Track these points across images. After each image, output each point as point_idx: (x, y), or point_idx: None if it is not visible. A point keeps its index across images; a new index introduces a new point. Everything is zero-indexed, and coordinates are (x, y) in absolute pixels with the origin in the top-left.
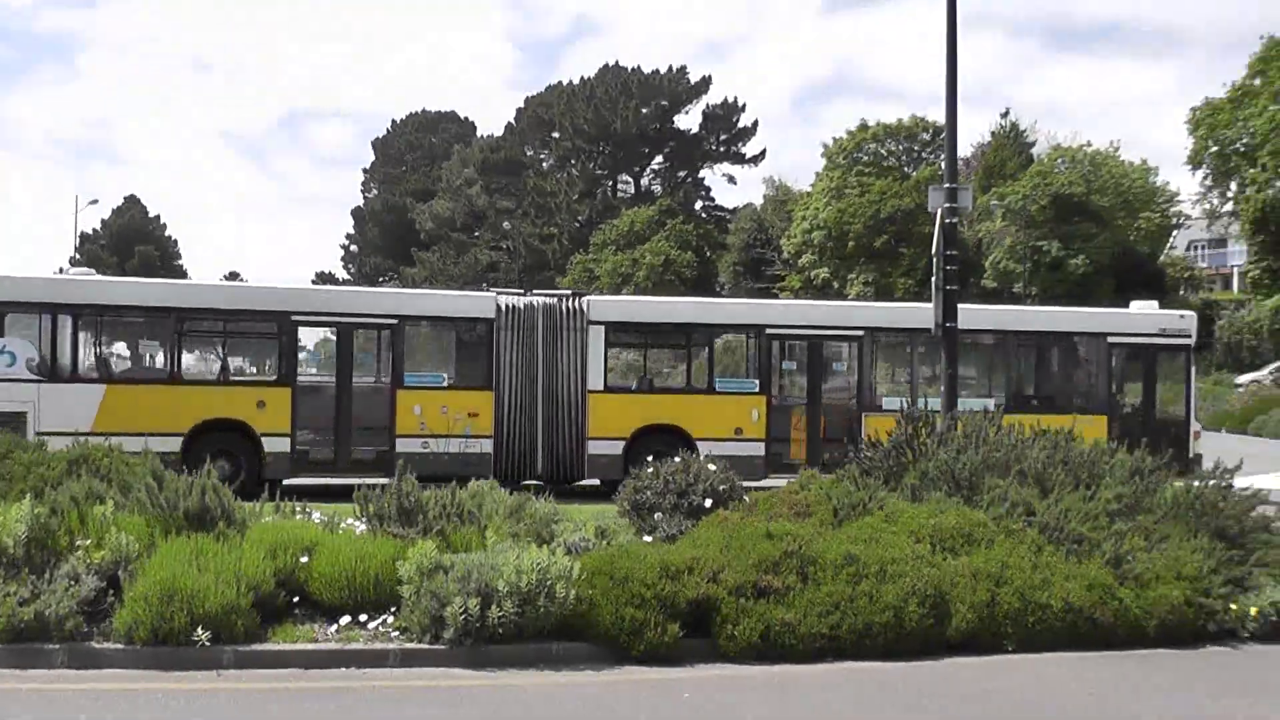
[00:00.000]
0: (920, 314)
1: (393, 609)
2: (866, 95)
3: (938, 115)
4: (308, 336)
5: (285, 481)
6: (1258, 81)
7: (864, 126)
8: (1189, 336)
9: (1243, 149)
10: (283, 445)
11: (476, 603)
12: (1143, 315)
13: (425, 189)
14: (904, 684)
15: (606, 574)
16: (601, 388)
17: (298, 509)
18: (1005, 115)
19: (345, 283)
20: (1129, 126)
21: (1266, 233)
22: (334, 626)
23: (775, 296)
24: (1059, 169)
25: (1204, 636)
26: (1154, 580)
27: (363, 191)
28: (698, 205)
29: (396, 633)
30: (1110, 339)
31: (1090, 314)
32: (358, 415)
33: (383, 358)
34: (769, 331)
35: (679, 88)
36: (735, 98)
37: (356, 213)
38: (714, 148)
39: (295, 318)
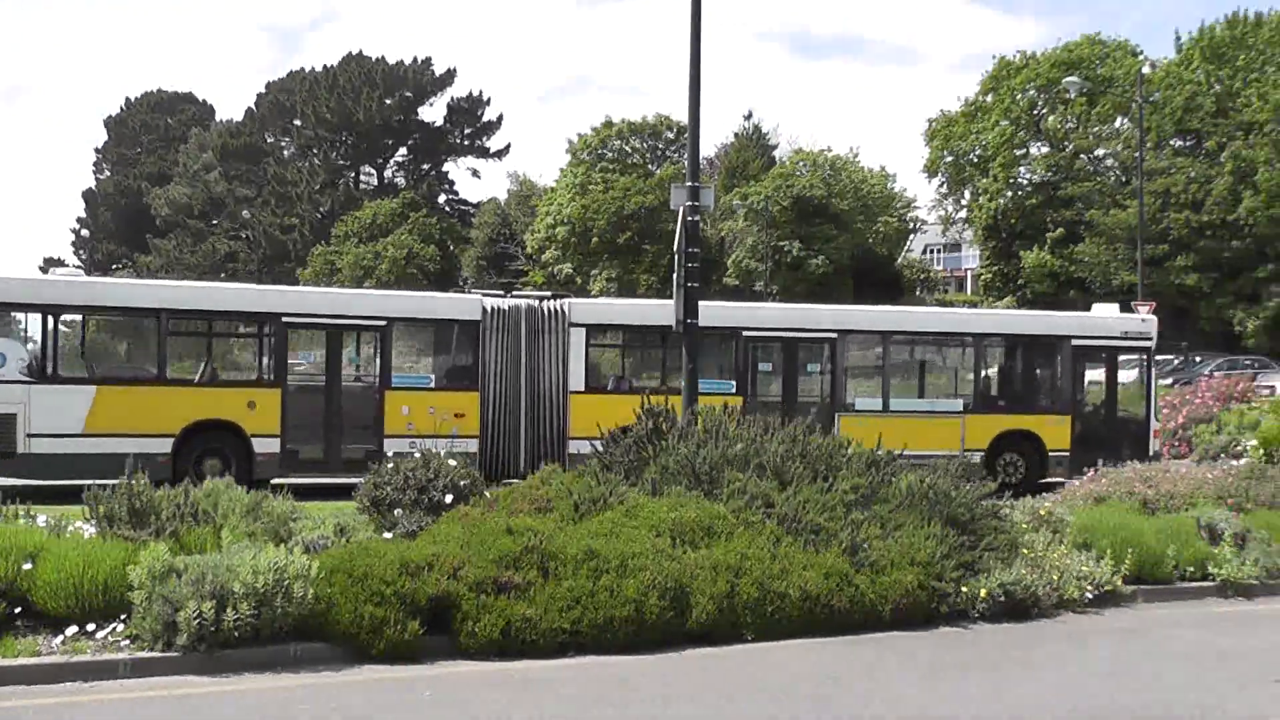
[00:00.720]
0: (891, 317)
1: (123, 616)
2: (612, 91)
3: (682, 114)
4: (298, 337)
5: (274, 481)
6: (989, 98)
7: (609, 123)
8: (1150, 339)
9: (975, 160)
10: (273, 445)
11: (211, 606)
12: (1105, 319)
13: (161, 173)
14: (643, 676)
15: (345, 572)
16: (582, 388)
17: (20, 512)
18: (748, 118)
19: (77, 270)
20: (868, 134)
21: (997, 239)
22: (59, 638)
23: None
24: (800, 172)
25: (937, 618)
26: (889, 566)
27: (94, 172)
28: (441, 199)
29: (127, 641)
30: (1074, 341)
31: (1055, 317)
32: (347, 415)
33: (371, 359)
34: (745, 333)
35: (423, 79)
36: (480, 91)
37: (89, 195)
38: (458, 141)
39: (285, 319)
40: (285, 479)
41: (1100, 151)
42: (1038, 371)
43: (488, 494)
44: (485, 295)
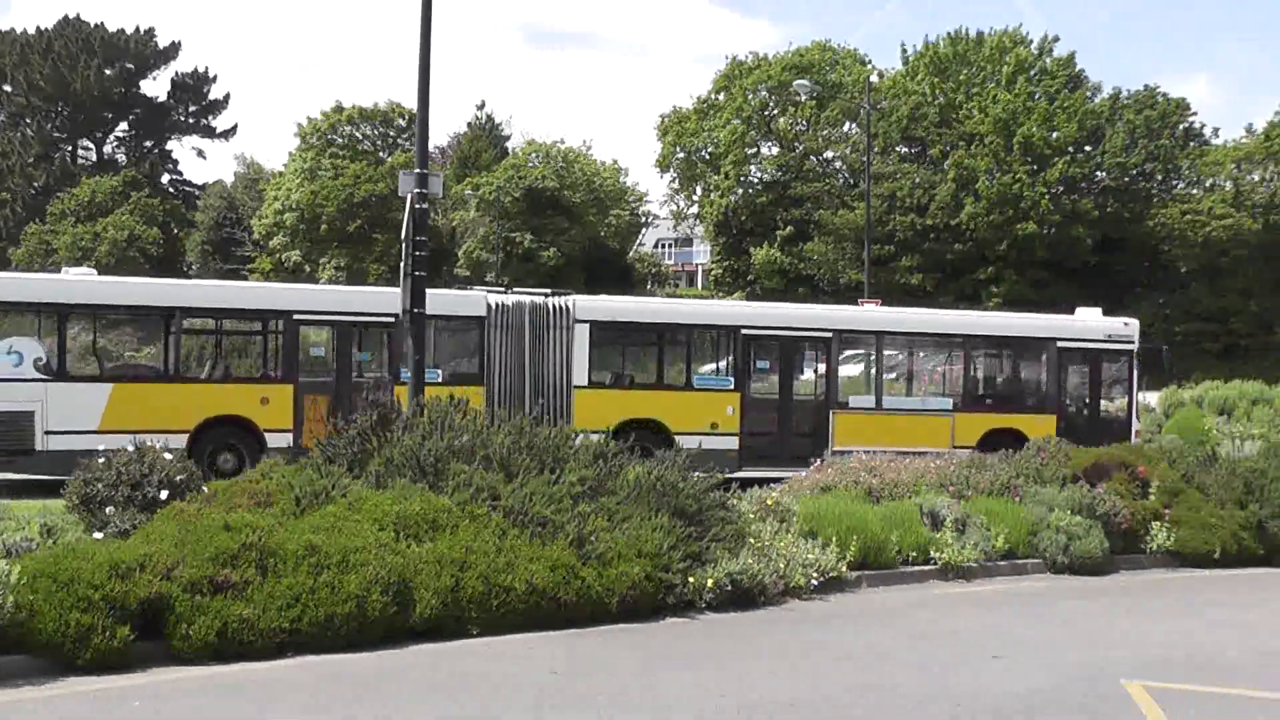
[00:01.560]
0: (884, 317)
1: None
2: (344, 75)
3: (415, 102)
4: (309, 334)
5: None
6: (722, 97)
7: (339, 108)
8: (1132, 342)
9: (707, 157)
10: (285, 440)
11: None
12: (1090, 322)
13: None
14: (364, 674)
15: (50, 576)
16: (585, 383)
17: None
18: (481, 107)
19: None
20: (602, 128)
21: (728, 234)
22: None
23: (244, 278)
24: (533, 163)
25: (664, 609)
26: (616, 558)
27: None
28: (165, 179)
29: None
30: (1060, 343)
31: (1042, 320)
32: (356, 410)
33: (380, 355)
34: (744, 331)
35: (146, 50)
36: (206, 68)
37: None
38: (183, 118)
39: (296, 316)
40: None
41: (829, 154)
42: (1024, 372)
43: (205, 489)
44: (489, 292)
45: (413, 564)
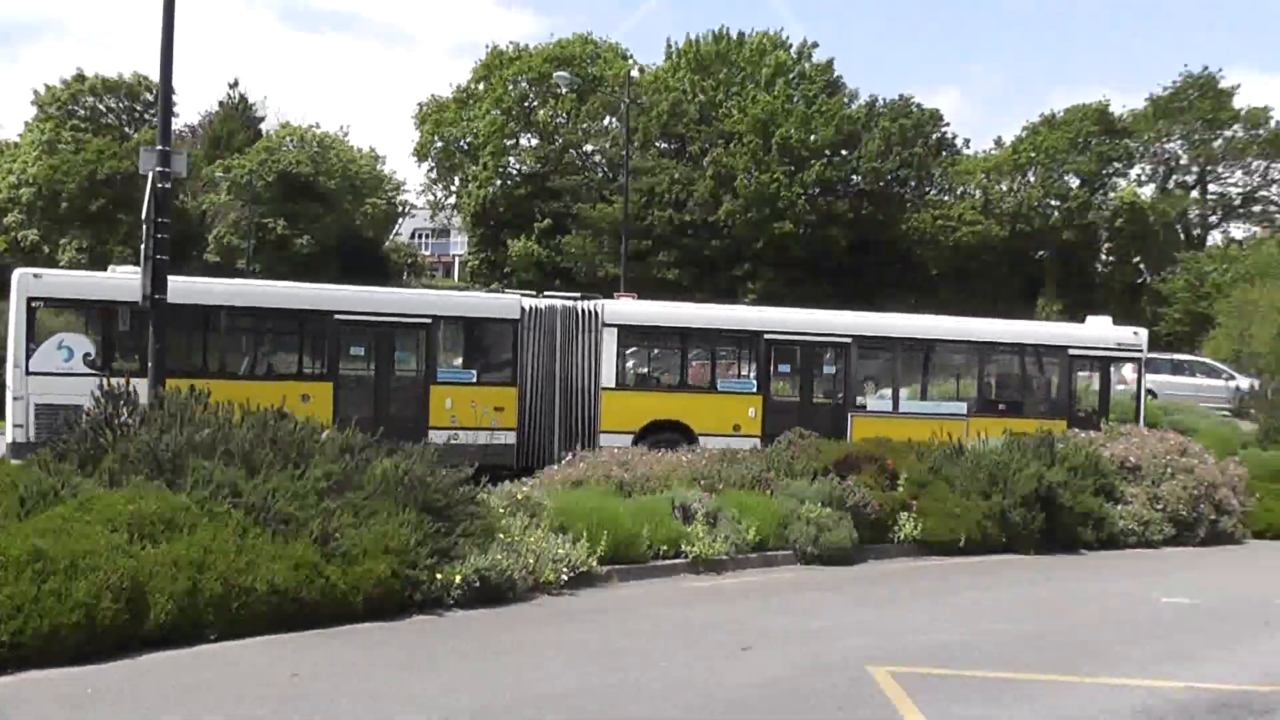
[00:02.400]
0: (901, 324)
1: None
2: (87, 41)
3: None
4: (350, 334)
5: None
6: (481, 86)
7: (81, 77)
8: (1140, 349)
9: (466, 147)
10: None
11: None
12: (1100, 331)
13: None
14: (94, 688)
15: None
16: (614, 385)
17: None
18: (234, 86)
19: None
20: (359, 114)
21: (485, 226)
22: None
23: None
24: (287, 147)
25: (411, 607)
26: (361, 556)
27: None
28: None
29: None
30: (1071, 351)
31: (1055, 328)
32: (394, 408)
33: (417, 355)
34: (766, 336)
35: None
36: None
37: None
38: None
39: (337, 316)
40: None
41: (589, 147)
42: (1037, 378)
43: None
44: (523, 296)
45: (147, 567)
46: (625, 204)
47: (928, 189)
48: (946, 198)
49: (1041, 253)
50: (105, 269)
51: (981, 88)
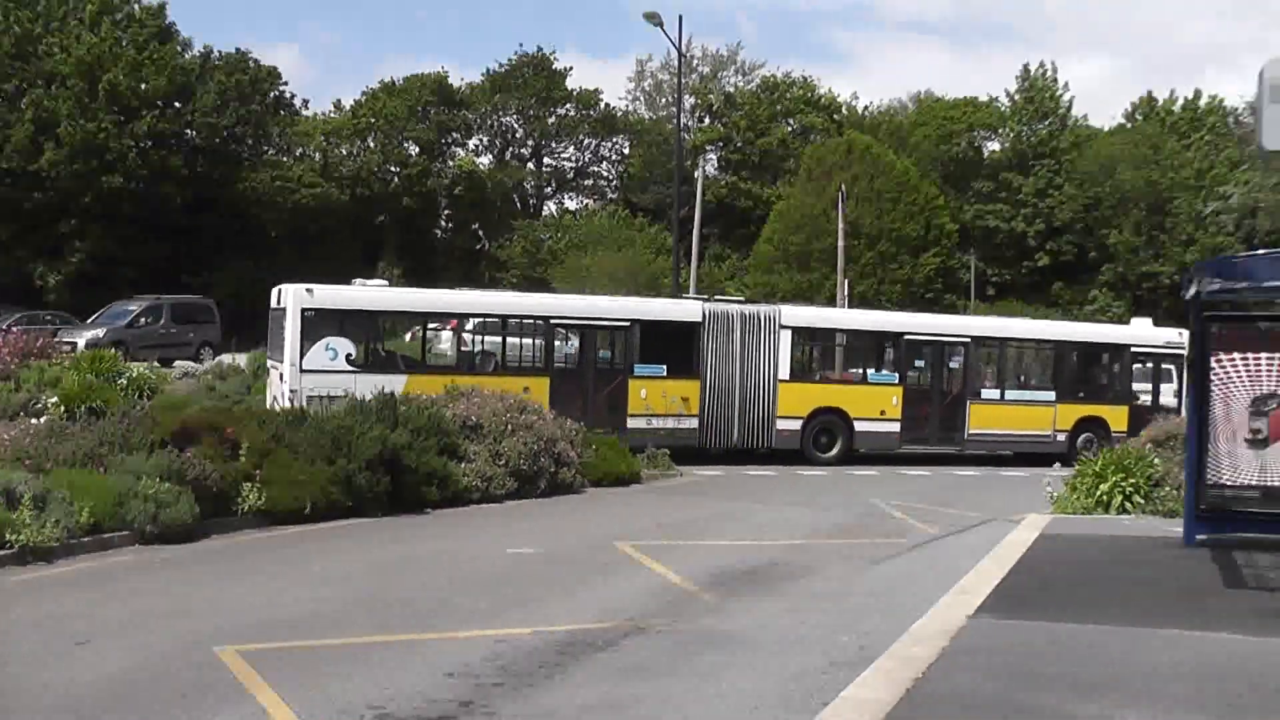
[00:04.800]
0: (1015, 325)
1: None
2: None
3: None
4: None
5: None
6: None
7: None
8: (1183, 348)
9: None
10: None
11: None
12: (1155, 331)
13: None
14: None
15: None
16: (787, 377)
17: None
18: None
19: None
20: None
21: None
22: None
23: None
24: None
25: None
26: None
27: None
28: None
29: None
30: (1133, 348)
31: (1120, 329)
32: (598, 397)
33: (618, 352)
34: (906, 337)
35: None
36: None
37: None
38: None
39: (553, 320)
40: None
41: None
42: (1105, 370)
43: None
44: (705, 301)
45: None
46: None
47: (266, 149)
48: (285, 159)
49: (382, 218)
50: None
51: (321, 48)
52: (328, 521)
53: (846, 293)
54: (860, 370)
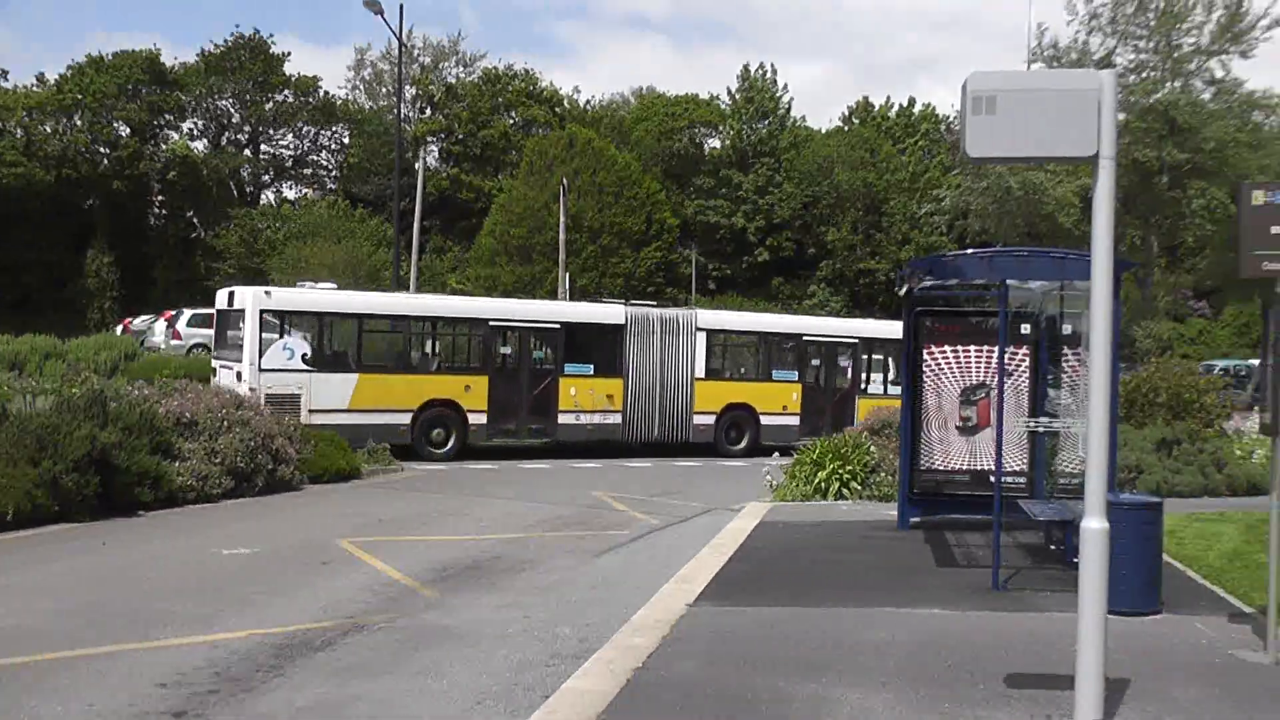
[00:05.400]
0: (889, 328)
1: None
2: None
3: None
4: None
5: (481, 444)
6: None
7: None
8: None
9: None
10: (481, 419)
11: None
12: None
13: None
14: None
15: None
16: (703, 376)
17: None
18: None
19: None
20: None
21: None
22: None
23: None
24: None
25: None
26: None
27: None
28: None
29: None
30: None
31: None
32: (532, 395)
33: (550, 353)
34: (804, 338)
35: None
36: None
37: None
38: None
39: (491, 323)
40: (489, 443)
41: None
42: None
43: None
44: (627, 305)
45: None
46: None
47: None
48: None
49: (91, 201)
50: None
51: (24, 16)
52: (32, 529)
53: (568, 286)
54: (766, 370)
